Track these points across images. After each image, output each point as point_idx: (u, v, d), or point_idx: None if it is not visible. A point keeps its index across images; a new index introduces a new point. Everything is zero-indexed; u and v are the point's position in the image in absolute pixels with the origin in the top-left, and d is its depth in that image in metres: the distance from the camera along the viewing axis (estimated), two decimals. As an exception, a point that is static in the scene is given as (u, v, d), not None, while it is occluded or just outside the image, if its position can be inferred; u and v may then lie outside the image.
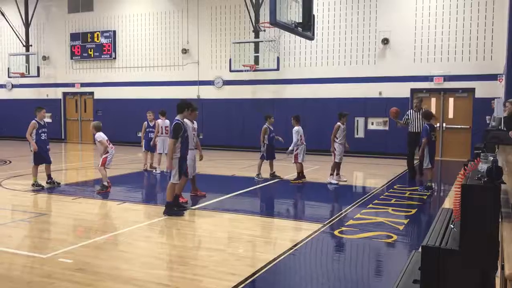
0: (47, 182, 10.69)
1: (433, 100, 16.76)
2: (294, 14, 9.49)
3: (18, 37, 23.79)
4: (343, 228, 7.22)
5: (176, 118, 8.18)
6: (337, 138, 11.37)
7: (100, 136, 10.38)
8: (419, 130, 11.71)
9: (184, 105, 8.29)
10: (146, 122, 13.74)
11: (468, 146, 15.76)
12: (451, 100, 16.63)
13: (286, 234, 7.14)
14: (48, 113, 23.83)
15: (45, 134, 10.77)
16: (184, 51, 20.53)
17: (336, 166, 11.51)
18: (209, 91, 20.13)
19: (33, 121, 10.68)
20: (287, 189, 11.05)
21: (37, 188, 10.32)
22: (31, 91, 24.22)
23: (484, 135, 10.02)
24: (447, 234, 3.38)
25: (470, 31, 15.98)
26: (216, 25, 19.93)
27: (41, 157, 10.57)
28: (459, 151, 16.02)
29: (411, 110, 12.54)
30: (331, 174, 11.43)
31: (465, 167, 3.72)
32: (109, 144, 10.39)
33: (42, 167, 10.75)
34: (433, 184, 10.64)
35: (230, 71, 19.04)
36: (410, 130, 12.30)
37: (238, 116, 19.40)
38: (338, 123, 11.44)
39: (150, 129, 13.51)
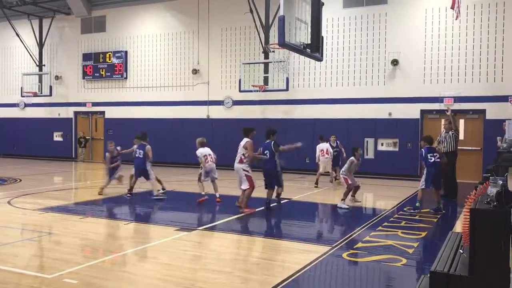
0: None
1: (443, 121, 16.64)
2: (303, 36, 9.53)
3: (32, 57, 24.23)
4: (352, 251, 7.11)
5: (267, 141, 10.39)
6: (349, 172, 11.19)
7: (199, 152, 11.36)
8: (449, 150, 12.21)
9: (271, 131, 10.50)
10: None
11: (480, 168, 15.58)
12: (461, 121, 16.50)
13: (293, 256, 7.04)
14: (59, 131, 24.22)
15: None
16: (195, 71, 20.72)
17: (353, 189, 11.32)
18: (218, 111, 20.24)
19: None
20: (295, 211, 10.96)
21: (162, 196, 12.02)
22: (43, 110, 24.55)
23: (495, 157, 9.91)
24: (456, 260, 3.30)
25: (480, 52, 15.96)
26: (226, 46, 20.13)
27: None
28: (470, 173, 15.80)
29: (444, 131, 12.76)
30: (343, 199, 11.13)
31: (475, 190, 3.65)
32: (205, 159, 11.26)
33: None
34: (420, 204, 10.46)
35: (240, 91, 19.16)
36: (442, 151, 12.45)
37: (247, 136, 19.38)
38: (352, 158, 11.19)
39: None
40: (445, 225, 9.53)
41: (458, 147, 16.38)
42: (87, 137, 23.75)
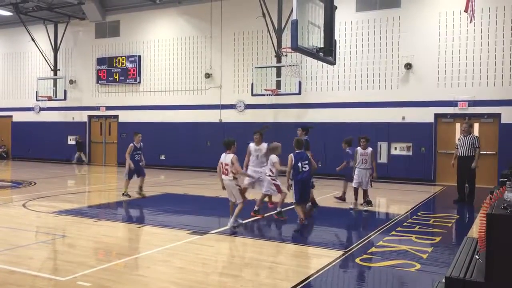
0: (138, 193, 12.51)
1: (458, 125, 16.48)
2: (316, 39, 9.52)
3: (47, 62, 24.53)
4: (365, 256, 7.05)
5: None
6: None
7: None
8: (466, 154, 12.12)
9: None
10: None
11: (495, 173, 15.40)
12: (476, 125, 16.31)
13: (305, 260, 7.02)
14: (73, 135, 24.46)
15: (139, 155, 12.61)
16: (207, 75, 20.80)
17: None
18: (231, 115, 20.28)
19: (131, 144, 12.51)
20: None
21: (126, 197, 12.29)
22: (57, 114, 24.82)
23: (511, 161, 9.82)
24: (472, 265, 3.26)
25: (495, 56, 15.79)
26: (238, 50, 20.19)
27: (134, 173, 12.53)
28: (485, 178, 15.59)
29: (462, 135, 12.68)
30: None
31: (491, 195, 3.60)
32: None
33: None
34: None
35: (252, 95, 19.18)
36: (458, 154, 12.43)
37: (259, 140, 19.39)
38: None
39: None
40: (459, 231, 9.43)
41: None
42: (80, 141, 24.13)
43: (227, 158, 8.63)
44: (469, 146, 12.14)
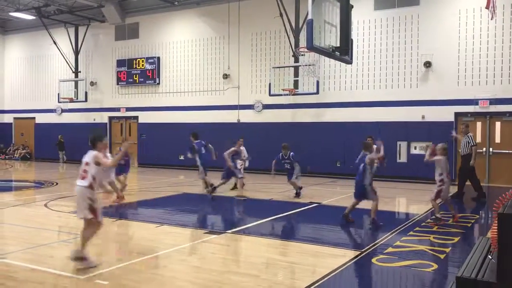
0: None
1: (479, 124, 16.25)
2: (333, 39, 9.50)
3: (68, 64, 24.96)
4: (382, 256, 7.01)
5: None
6: None
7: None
8: (463, 153, 12.83)
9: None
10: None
11: (517, 172, 15.12)
12: (497, 124, 16.05)
13: (322, 260, 7.00)
14: (94, 136, 24.80)
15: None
16: (225, 76, 20.89)
17: None
18: (249, 115, 20.33)
19: (232, 148, 12.90)
20: (324, 214, 10.88)
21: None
22: (79, 115, 25.22)
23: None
24: (484, 265, 3.23)
25: (517, 53, 15.49)
26: (256, 51, 20.22)
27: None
28: (507, 177, 15.37)
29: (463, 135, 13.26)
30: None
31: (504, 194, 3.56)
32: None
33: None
34: None
35: (270, 95, 19.19)
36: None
37: (277, 140, 19.35)
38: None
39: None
40: (478, 231, 9.29)
41: (494, 150, 16.12)
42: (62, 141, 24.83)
43: (88, 156, 6.32)
44: (465, 145, 12.67)
